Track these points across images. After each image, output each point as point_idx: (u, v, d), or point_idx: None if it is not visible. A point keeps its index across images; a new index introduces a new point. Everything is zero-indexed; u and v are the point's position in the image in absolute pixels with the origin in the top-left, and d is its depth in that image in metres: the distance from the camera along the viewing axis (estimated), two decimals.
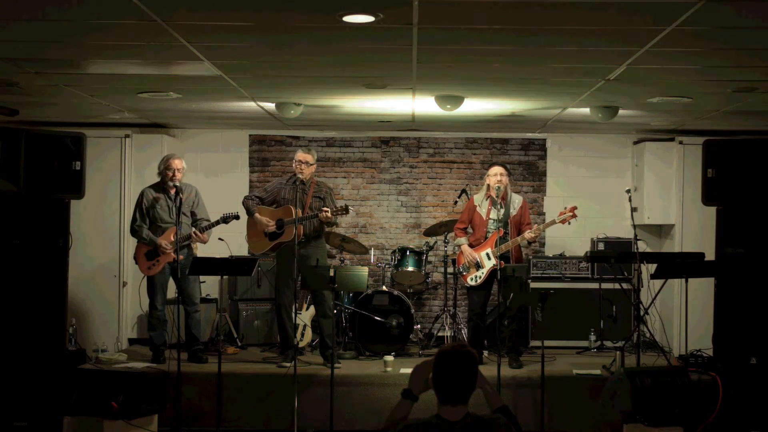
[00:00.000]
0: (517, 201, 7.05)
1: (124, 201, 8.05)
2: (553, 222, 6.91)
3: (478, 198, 7.14)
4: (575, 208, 6.81)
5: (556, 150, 8.98)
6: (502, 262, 6.68)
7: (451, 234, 7.81)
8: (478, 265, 6.93)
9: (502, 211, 6.86)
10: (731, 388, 6.20)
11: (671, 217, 8.29)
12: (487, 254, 6.90)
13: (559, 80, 5.89)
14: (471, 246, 7.02)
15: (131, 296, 7.98)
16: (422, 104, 6.98)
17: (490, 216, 6.96)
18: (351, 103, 7.09)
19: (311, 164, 6.83)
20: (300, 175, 6.68)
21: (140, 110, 7.58)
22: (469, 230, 7.19)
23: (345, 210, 6.65)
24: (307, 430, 6.20)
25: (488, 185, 6.99)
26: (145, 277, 6.94)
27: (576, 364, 6.97)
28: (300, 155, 6.80)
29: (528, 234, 6.83)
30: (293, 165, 6.84)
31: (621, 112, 7.02)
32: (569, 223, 6.90)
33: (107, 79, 6.10)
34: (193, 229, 6.86)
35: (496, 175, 6.90)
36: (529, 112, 7.39)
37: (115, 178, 8.10)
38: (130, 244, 7.59)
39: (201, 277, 7.12)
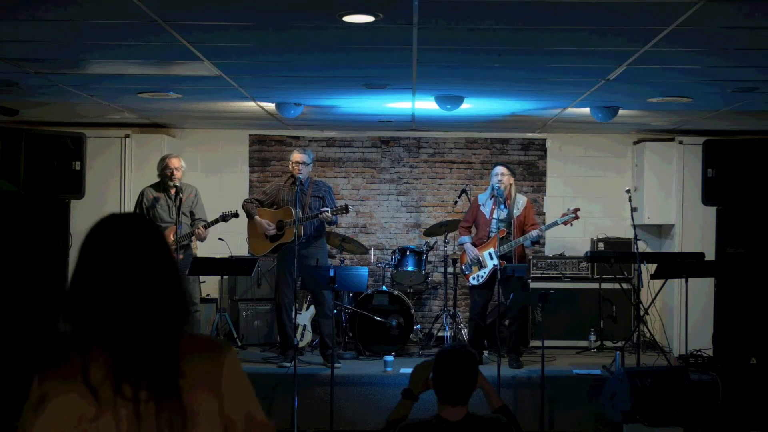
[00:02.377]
0: (521, 201, 7.04)
1: (124, 201, 8.04)
2: (556, 223, 6.91)
3: (483, 197, 7.14)
4: (578, 209, 6.82)
5: (556, 150, 8.98)
6: (503, 261, 6.68)
7: (452, 234, 7.81)
8: (481, 264, 6.93)
9: (505, 211, 6.86)
10: (731, 388, 6.20)
11: (671, 217, 8.28)
12: (490, 254, 6.89)
13: (559, 80, 5.89)
14: (474, 245, 7.03)
15: None
16: (422, 104, 6.98)
17: (494, 216, 6.96)
18: (351, 103, 7.09)
19: (308, 164, 6.82)
20: (299, 176, 6.68)
21: (140, 110, 7.58)
22: (473, 230, 7.19)
23: (345, 209, 6.66)
24: (307, 430, 6.20)
25: (492, 185, 7.00)
26: None
27: (576, 364, 6.97)
28: (296, 156, 6.80)
29: (534, 232, 6.84)
30: (290, 166, 6.85)
31: (621, 112, 7.02)
32: (571, 225, 6.91)
33: (107, 79, 6.10)
34: (198, 225, 6.85)
35: (497, 175, 6.90)
36: (529, 112, 7.39)
37: (115, 178, 8.10)
38: None
39: (201, 276, 7.11)
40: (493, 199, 6.97)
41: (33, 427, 1.72)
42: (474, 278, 6.98)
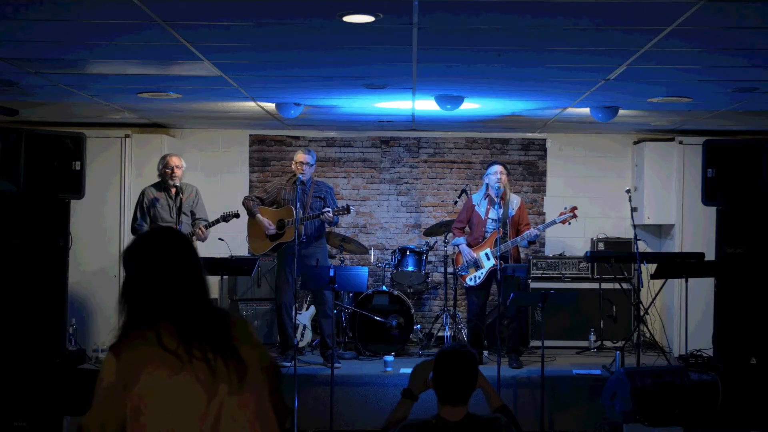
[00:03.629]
0: (515, 201, 7.04)
1: (124, 201, 8.04)
2: (554, 222, 6.90)
3: (477, 197, 7.12)
4: (575, 208, 6.81)
5: (556, 150, 8.98)
6: (502, 261, 6.67)
7: (451, 234, 7.80)
8: (478, 265, 6.92)
9: (501, 211, 6.85)
10: (731, 388, 6.20)
11: (671, 217, 8.28)
12: (486, 254, 6.88)
13: (559, 80, 5.89)
14: (469, 246, 7.00)
15: None
16: (422, 104, 6.98)
17: (489, 216, 6.94)
18: (351, 103, 7.09)
19: (311, 165, 6.83)
20: (301, 176, 6.68)
21: (140, 110, 7.58)
22: (467, 230, 7.18)
23: (346, 210, 6.66)
24: (307, 430, 6.20)
25: (487, 184, 6.98)
26: None
27: (576, 364, 6.97)
28: (300, 156, 6.80)
29: (532, 231, 6.82)
30: (293, 166, 6.85)
31: (621, 112, 7.01)
32: (569, 224, 6.90)
33: (107, 79, 6.09)
34: (199, 225, 6.84)
35: (495, 173, 6.87)
36: (529, 112, 7.38)
37: (115, 178, 8.09)
38: None
39: None
40: (487, 198, 6.96)
41: (127, 398, 2.22)
42: (471, 279, 6.96)
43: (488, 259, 6.87)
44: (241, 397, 2.28)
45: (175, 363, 2.23)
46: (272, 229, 6.81)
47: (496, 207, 6.79)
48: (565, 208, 6.83)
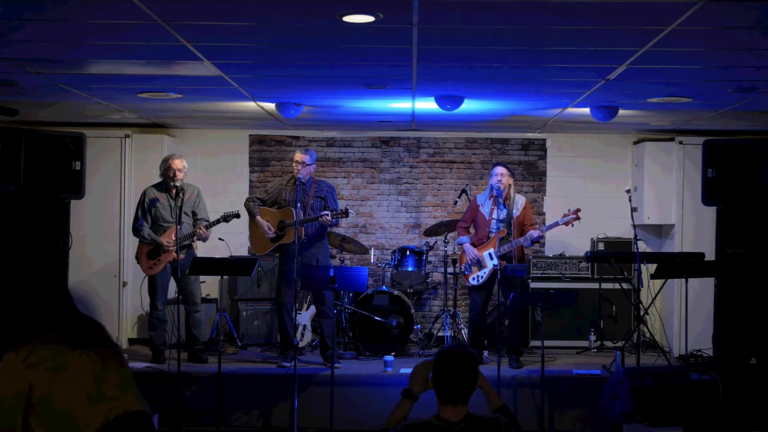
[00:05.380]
0: (520, 201, 7.04)
1: (124, 201, 8.04)
2: (556, 224, 6.90)
3: (482, 198, 7.13)
4: (579, 210, 6.79)
5: (556, 150, 8.98)
6: (504, 261, 6.67)
7: (452, 234, 7.80)
8: (481, 265, 6.93)
9: (505, 211, 6.85)
10: (731, 388, 6.20)
11: (671, 217, 8.28)
12: (490, 254, 6.88)
13: (559, 80, 5.89)
14: (473, 246, 7.01)
15: (131, 296, 7.98)
16: (422, 104, 6.98)
17: (493, 216, 6.95)
18: (351, 103, 7.09)
19: (308, 164, 6.82)
20: (299, 176, 6.68)
21: (140, 110, 7.58)
22: (472, 230, 7.18)
23: (345, 213, 6.65)
24: (307, 430, 6.20)
25: (491, 186, 6.99)
26: (146, 277, 6.94)
27: (576, 364, 6.98)
28: (297, 156, 6.80)
29: (534, 232, 6.82)
30: (292, 166, 6.85)
31: (621, 112, 7.02)
32: (572, 225, 6.90)
33: (107, 79, 6.10)
34: (200, 225, 6.85)
35: (496, 175, 6.90)
36: (529, 112, 7.39)
37: (115, 178, 8.10)
38: (130, 244, 7.59)
39: (201, 276, 7.12)
40: (492, 199, 6.96)
41: (31, 384, 2.58)
42: (474, 278, 6.97)
43: (491, 258, 6.87)
44: (124, 369, 2.87)
45: (65, 351, 2.67)
46: (271, 233, 6.81)
47: (500, 207, 6.80)
48: (569, 210, 6.83)
